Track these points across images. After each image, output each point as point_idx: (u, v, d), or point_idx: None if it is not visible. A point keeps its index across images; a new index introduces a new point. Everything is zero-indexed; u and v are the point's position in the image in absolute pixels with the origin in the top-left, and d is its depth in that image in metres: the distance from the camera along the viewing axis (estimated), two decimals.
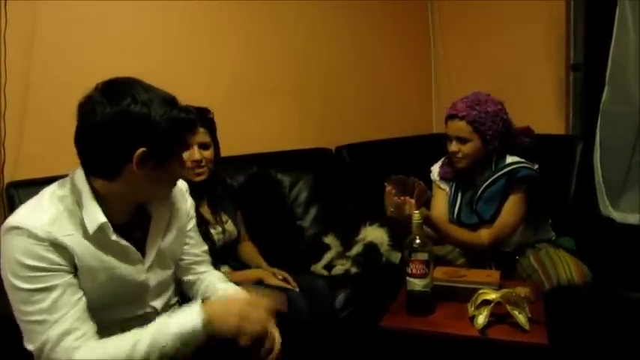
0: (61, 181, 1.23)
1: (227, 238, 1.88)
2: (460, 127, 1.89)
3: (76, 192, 1.19)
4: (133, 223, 1.27)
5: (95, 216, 1.17)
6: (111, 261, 1.22)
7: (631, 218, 2.44)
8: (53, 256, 1.13)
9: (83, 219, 1.17)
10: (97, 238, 1.18)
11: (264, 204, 2.33)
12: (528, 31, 2.90)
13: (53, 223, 1.14)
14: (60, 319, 1.11)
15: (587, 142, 2.50)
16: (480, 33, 3.12)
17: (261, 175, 2.41)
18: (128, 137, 1.13)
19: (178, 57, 2.37)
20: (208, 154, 1.79)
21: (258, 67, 2.64)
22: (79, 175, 1.20)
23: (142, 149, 1.13)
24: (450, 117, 1.92)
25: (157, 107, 1.14)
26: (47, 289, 1.11)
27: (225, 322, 1.18)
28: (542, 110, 2.87)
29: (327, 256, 2.21)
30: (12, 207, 1.82)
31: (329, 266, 2.18)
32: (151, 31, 2.29)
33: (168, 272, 1.37)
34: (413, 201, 1.74)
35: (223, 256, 1.86)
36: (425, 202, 1.83)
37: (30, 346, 1.12)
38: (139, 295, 1.30)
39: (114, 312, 1.26)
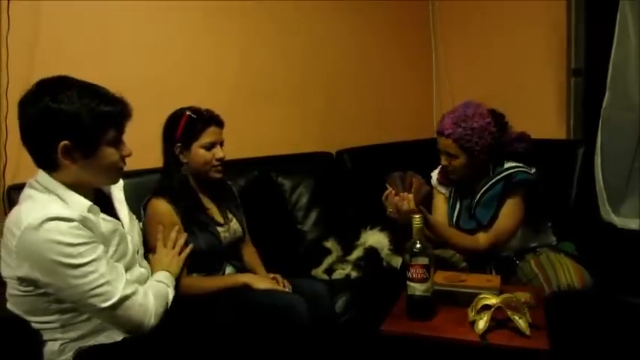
0: (26, 187, 1.36)
1: (232, 237, 1.89)
2: (447, 144, 1.90)
3: (48, 189, 1.32)
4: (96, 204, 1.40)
5: (79, 200, 1.33)
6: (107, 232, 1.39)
7: (632, 223, 2.44)
8: (87, 232, 1.28)
9: (70, 206, 1.30)
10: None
11: (265, 208, 2.33)
12: (529, 36, 2.91)
13: (66, 208, 1.28)
14: (117, 278, 1.32)
15: (588, 147, 2.50)
16: (481, 38, 3.13)
17: (262, 179, 2.41)
18: (49, 132, 1.27)
19: (181, 62, 2.38)
20: (225, 153, 1.84)
21: (260, 71, 2.64)
22: (40, 176, 1.33)
23: (64, 142, 1.27)
24: (438, 133, 1.94)
25: (76, 101, 1.27)
26: (97, 259, 1.28)
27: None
28: (542, 115, 2.88)
29: (328, 261, 2.21)
30: None
31: (329, 270, 2.18)
32: (153, 36, 2.29)
33: (136, 236, 1.57)
34: (410, 196, 1.74)
35: (228, 255, 1.87)
36: (425, 196, 1.83)
37: (105, 304, 1.29)
38: (132, 258, 1.47)
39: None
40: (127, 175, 1.97)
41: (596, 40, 2.69)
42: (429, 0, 3.30)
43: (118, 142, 1.38)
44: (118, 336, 1.36)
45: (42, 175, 1.34)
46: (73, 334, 1.34)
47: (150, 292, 1.43)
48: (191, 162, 1.80)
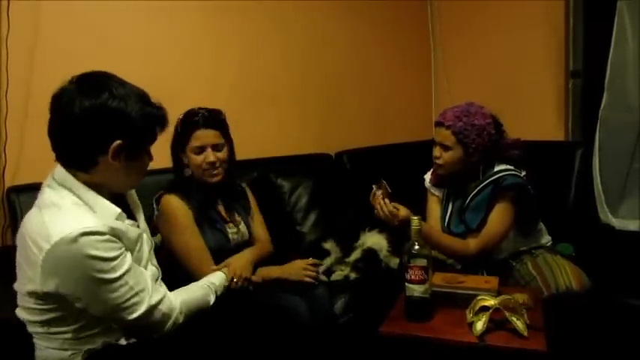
0: (46, 189, 1.28)
1: (240, 239, 1.90)
2: (445, 135, 1.90)
3: (74, 192, 1.25)
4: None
5: (108, 207, 1.28)
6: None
7: (630, 225, 2.44)
8: (117, 243, 1.24)
9: (97, 214, 1.25)
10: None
11: (264, 209, 2.33)
12: (528, 39, 2.92)
13: (97, 219, 1.23)
14: (145, 287, 1.29)
15: (586, 149, 2.51)
16: (480, 40, 3.14)
17: (261, 180, 2.42)
18: (105, 130, 1.21)
19: (181, 63, 2.38)
20: (222, 155, 1.81)
21: (259, 73, 2.65)
22: (61, 176, 1.26)
23: (117, 142, 1.22)
24: (438, 124, 1.94)
25: (133, 102, 1.23)
26: (127, 271, 1.25)
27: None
28: (541, 116, 2.89)
29: (327, 262, 2.21)
30: (12, 211, 1.82)
31: (328, 272, 2.18)
32: (153, 38, 2.30)
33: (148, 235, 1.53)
34: (379, 192, 1.81)
35: None
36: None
37: (133, 315, 1.27)
38: (148, 257, 1.44)
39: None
40: None
41: (595, 41, 2.70)
42: (427, 1, 3.31)
43: (149, 149, 1.37)
44: (123, 342, 1.35)
45: (63, 175, 1.26)
46: (82, 347, 1.30)
47: (179, 298, 1.41)
48: (189, 165, 1.81)
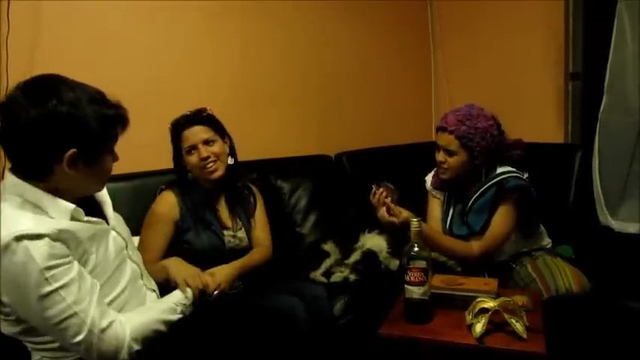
0: None
1: (237, 244, 1.89)
2: (449, 140, 1.90)
3: (20, 196, 1.17)
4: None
5: (61, 205, 1.19)
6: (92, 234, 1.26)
7: (630, 227, 2.44)
8: (60, 250, 1.14)
9: (49, 214, 1.17)
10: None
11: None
12: (527, 41, 2.92)
13: (38, 221, 1.14)
14: (88, 307, 1.16)
15: (586, 151, 2.50)
16: (479, 42, 3.14)
17: (261, 181, 2.41)
18: (56, 138, 1.13)
19: (180, 64, 2.38)
20: (216, 148, 1.82)
21: (259, 74, 2.65)
22: (10, 183, 1.18)
23: (72, 150, 1.14)
24: (440, 129, 1.93)
25: (85, 106, 1.15)
26: (66, 285, 1.13)
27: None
28: (541, 119, 2.89)
29: (326, 263, 2.21)
30: None
31: (328, 273, 2.18)
32: (153, 39, 2.30)
33: (124, 231, 1.45)
34: (380, 190, 1.80)
35: (229, 262, 1.84)
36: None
37: (72, 340, 1.16)
38: (120, 254, 1.36)
39: (116, 278, 1.32)
40: (125, 178, 1.99)
41: (594, 44, 2.70)
42: (427, 2, 3.31)
43: (113, 149, 1.30)
44: None
45: (13, 182, 1.19)
46: (73, 353, 1.26)
47: (130, 325, 1.27)
48: (190, 169, 1.84)
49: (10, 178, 1.19)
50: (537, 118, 2.88)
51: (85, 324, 1.16)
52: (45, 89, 1.15)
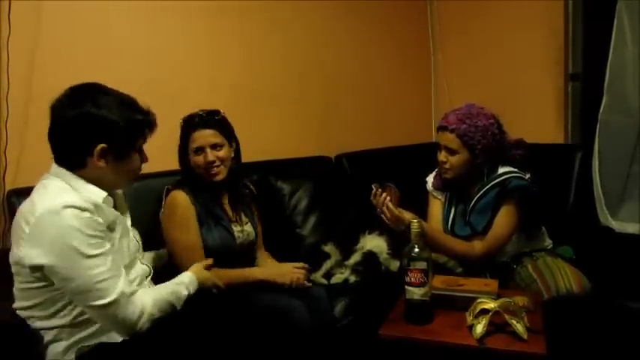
0: (43, 181, 1.40)
1: (245, 239, 1.92)
2: (449, 139, 1.90)
3: (64, 180, 1.38)
4: None
5: (95, 191, 1.39)
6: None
7: (630, 227, 2.44)
8: (99, 224, 1.33)
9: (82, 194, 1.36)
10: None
11: (264, 212, 2.33)
12: (527, 42, 2.92)
13: (80, 197, 1.34)
14: (120, 274, 1.36)
15: (586, 152, 2.51)
16: (479, 43, 3.14)
17: (261, 183, 2.42)
18: (89, 135, 1.36)
19: (180, 66, 2.39)
20: (222, 153, 1.84)
21: (259, 75, 2.65)
22: (55, 169, 1.40)
23: (101, 145, 1.36)
24: (441, 128, 1.94)
25: (115, 109, 1.37)
26: (105, 253, 1.33)
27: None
28: (540, 119, 2.89)
29: (327, 265, 2.21)
30: (13, 214, 1.82)
31: (328, 275, 2.18)
32: (153, 41, 2.30)
33: (137, 236, 1.63)
34: (384, 195, 1.81)
35: (241, 258, 1.89)
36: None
37: (103, 301, 1.31)
38: (134, 254, 1.54)
39: (127, 271, 1.46)
40: None
41: (594, 44, 2.70)
42: (427, 2, 3.31)
43: (141, 149, 1.49)
44: (118, 337, 1.38)
45: (56, 168, 1.39)
46: (78, 335, 1.37)
47: (149, 296, 1.43)
48: (193, 166, 1.85)
49: (54, 167, 1.40)
50: (537, 118, 2.88)
51: (117, 287, 1.33)
52: (84, 94, 1.38)
